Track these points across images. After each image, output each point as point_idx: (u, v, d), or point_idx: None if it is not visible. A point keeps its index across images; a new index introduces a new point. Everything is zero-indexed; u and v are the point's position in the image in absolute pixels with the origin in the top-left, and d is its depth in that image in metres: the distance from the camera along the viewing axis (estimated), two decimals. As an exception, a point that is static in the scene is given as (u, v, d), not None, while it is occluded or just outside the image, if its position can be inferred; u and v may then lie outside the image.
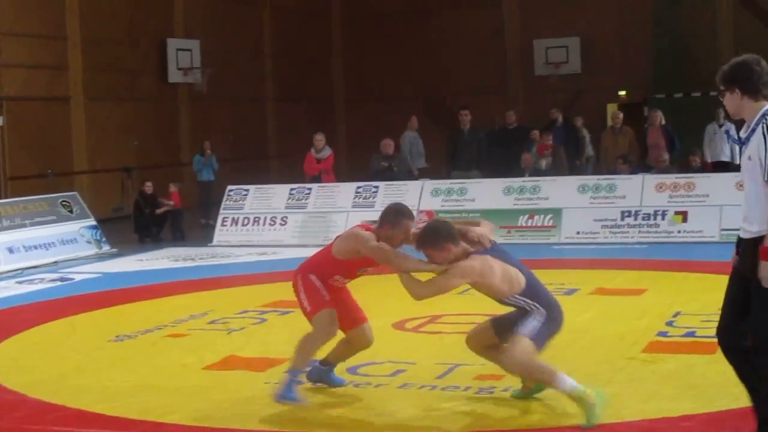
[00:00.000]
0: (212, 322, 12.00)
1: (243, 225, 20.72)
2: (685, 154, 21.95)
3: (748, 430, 6.79)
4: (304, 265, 8.32)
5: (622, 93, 33.48)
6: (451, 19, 35.18)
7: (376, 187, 20.49)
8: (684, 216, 18.45)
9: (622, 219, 18.75)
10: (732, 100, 6.10)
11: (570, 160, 23.77)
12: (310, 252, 18.58)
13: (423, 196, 19.68)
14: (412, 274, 7.63)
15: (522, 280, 7.59)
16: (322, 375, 8.36)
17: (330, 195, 20.76)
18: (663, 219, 18.54)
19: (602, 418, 7.13)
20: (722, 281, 13.69)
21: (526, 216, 19.19)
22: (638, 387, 8.12)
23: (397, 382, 8.69)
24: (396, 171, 21.37)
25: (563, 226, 18.91)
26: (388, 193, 20.09)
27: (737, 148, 22.25)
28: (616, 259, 16.32)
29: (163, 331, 11.53)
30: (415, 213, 8.88)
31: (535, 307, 7.55)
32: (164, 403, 8.29)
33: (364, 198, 20.34)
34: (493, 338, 7.99)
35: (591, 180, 19.68)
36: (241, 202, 21.06)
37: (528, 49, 33.93)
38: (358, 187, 20.66)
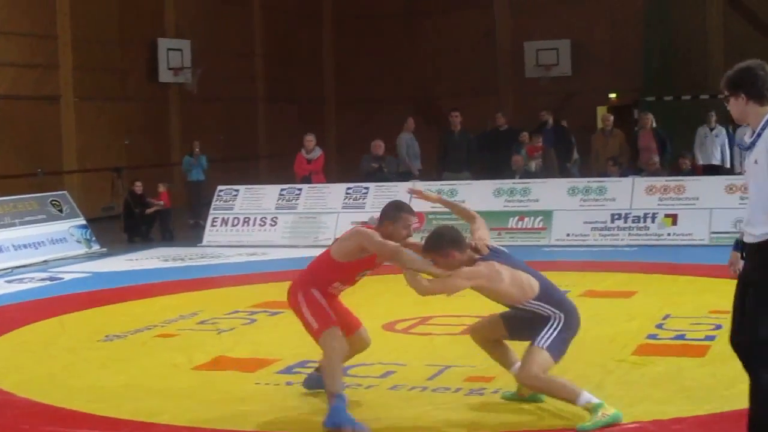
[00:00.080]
0: (202, 322, 11.99)
1: (233, 225, 20.70)
2: (676, 157, 21.98)
3: (739, 432, 6.81)
4: (302, 279, 8.05)
5: (613, 95, 33.53)
6: (441, 21, 35.19)
7: (367, 188, 20.49)
8: (674, 219, 18.47)
9: (612, 221, 18.77)
10: (737, 106, 6.10)
11: (560, 163, 23.79)
12: (300, 252, 18.76)
13: (413, 198, 19.63)
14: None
15: (535, 284, 7.51)
16: (319, 382, 8.21)
17: (320, 196, 20.75)
18: (653, 222, 18.57)
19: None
20: (712, 284, 13.84)
21: (516, 218, 19.20)
22: (628, 389, 8.12)
23: (387, 383, 8.69)
24: (386, 172, 21.36)
25: (553, 229, 18.92)
26: (378, 194, 20.08)
27: (728, 151, 22.34)
28: (605, 261, 16.33)
29: (153, 331, 11.51)
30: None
31: (552, 312, 7.48)
32: (154, 404, 8.28)
33: (355, 199, 20.33)
34: (502, 333, 7.91)
35: (581, 182, 19.70)
36: (231, 202, 21.04)
37: (518, 51, 33.95)
38: (349, 188, 20.66)
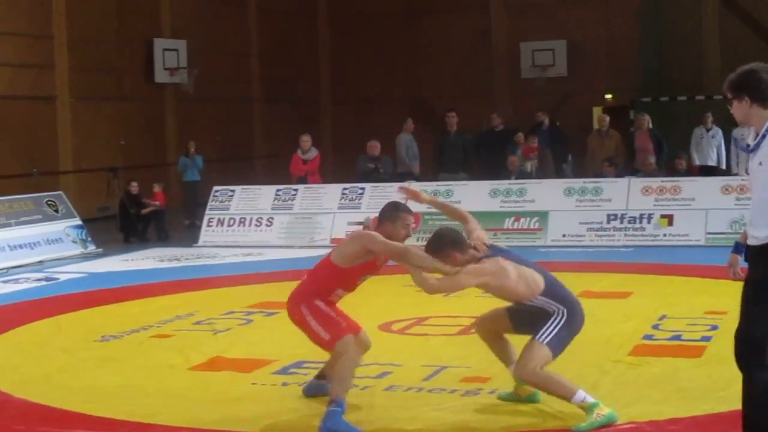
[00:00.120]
0: (198, 322, 11.98)
1: (229, 226, 20.69)
2: (672, 157, 22.00)
3: (735, 433, 6.81)
4: (303, 291, 7.92)
5: (609, 96, 33.53)
6: (437, 21, 35.20)
7: (363, 188, 20.48)
8: (670, 219, 18.48)
9: (608, 222, 18.78)
10: (740, 108, 6.13)
11: (556, 163, 23.79)
12: (296, 253, 18.74)
13: (406, 199, 19.63)
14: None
15: (540, 280, 7.51)
16: (319, 389, 8.19)
17: (316, 196, 20.74)
18: (649, 222, 18.57)
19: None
20: (708, 285, 13.86)
21: (512, 218, 19.20)
22: (624, 390, 8.13)
23: (383, 384, 8.69)
24: (382, 172, 21.36)
25: (549, 229, 18.93)
26: (374, 194, 20.08)
27: (724, 152, 22.36)
28: (601, 262, 16.34)
29: (149, 331, 11.51)
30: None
31: (557, 307, 7.47)
32: (150, 404, 8.28)
33: (351, 199, 20.33)
34: (507, 327, 7.90)
35: (577, 183, 19.69)
36: (227, 202, 21.03)
37: (514, 52, 33.96)
38: (345, 189, 20.65)
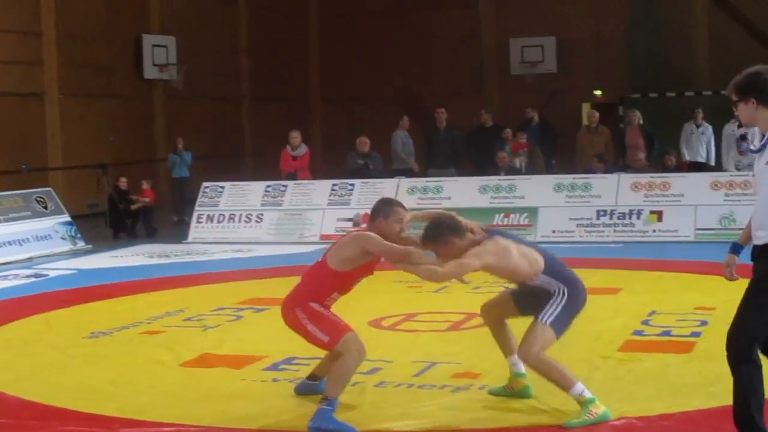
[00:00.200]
0: (188, 319, 11.97)
1: (218, 222, 20.68)
2: (661, 153, 22.03)
3: (726, 429, 6.81)
4: (298, 294, 7.77)
5: (598, 93, 33.56)
6: (427, 18, 35.20)
7: (352, 185, 20.49)
8: (659, 215, 18.52)
9: (598, 218, 18.81)
10: (746, 110, 6.16)
11: (546, 159, 23.82)
12: (285, 249, 18.72)
13: (399, 195, 19.66)
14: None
15: (540, 258, 7.48)
16: (311, 389, 8.15)
17: (306, 192, 20.74)
18: (638, 218, 18.61)
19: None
20: (697, 280, 13.90)
21: (502, 215, 19.22)
22: (615, 386, 8.13)
23: (373, 380, 8.67)
24: (372, 169, 21.36)
25: (539, 225, 18.95)
26: (363, 191, 20.10)
27: (713, 148, 22.39)
28: (591, 258, 16.34)
29: (139, 328, 11.49)
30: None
31: (557, 287, 7.45)
32: (140, 400, 8.26)
33: (340, 196, 20.33)
34: (512, 310, 7.87)
35: (567, 179, 19.71)
36: (216, 199, 21.02)
37: (504, 48, 33.99)
38: (334, 185, 20.65)
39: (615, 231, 18.58)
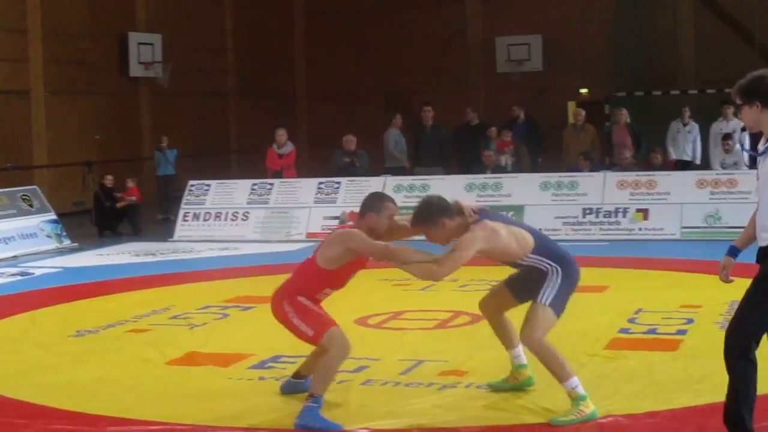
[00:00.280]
0: (174, 317, 11.96)
1: (204, 220, 20.64)
2: (647, 152, 22.06)
3: (712, 426, 6.84)
4: (287, 288, 7.77)
5: (584, 91, 33.58)
6: (413, 16, 35.15)
7: (338, 183, 20.48)
8: (645, 213, 18.56)
9: (584, 216, 18.84)
10: (751, 114, 6.20)
11: (532, 158, 23.83)
12: (271, 247, 18.70)
13: (385, 192, 19.63)
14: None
15: (529, 238, 7.49)
16: (296, 387, 8.14)
17: (292, 190, 20.72)
18: (624, 216, 18.64)
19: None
20: (683, 278, 13.93)
21: (488, 213, 19.18)
22: (601, 384, 8.14)
23: (360, 378, 8.67)
24: (358, 167, 21.35)
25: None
26: (350, 189, 20.09)
27: (699, 147, 22.43)
28: (577, 256, 16.21)
29: (125, 326, 11.47)
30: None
31: (550, 265, 7.47)
32: (126, 399, 8.25)
33: (326, 194, 20.32)
34: (509, 299, 7.89)
35: (553, 177, 19.73)
36: (202, 197, 20.99)
37: (490, 47, 33.97)
38: (320, 183, 20.64)
39: (601, 229, 18.61)
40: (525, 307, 7.64)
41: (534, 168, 23.16)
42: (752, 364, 6.14)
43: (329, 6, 35.95)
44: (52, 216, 20.13)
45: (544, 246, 7.54)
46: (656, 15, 32.28)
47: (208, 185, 21.19)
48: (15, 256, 18.40)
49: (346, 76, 35.53)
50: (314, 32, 36.73)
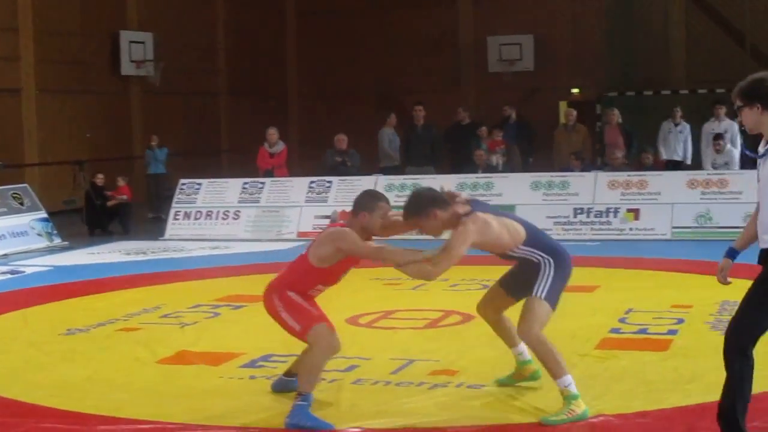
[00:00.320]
0: (165, 316, 11.95)
1: (195, 219, 20.63)
2: (639, 152, 22.09)
3: (702, 426, 6.85)
4: (278, 282, 7.79)
5: (575, 91, 33.61)
6: (405, 15, 35.16)
7: (330, 182, 20.47)
8: (636, 213, 18.58)
9: (575, 216, 18.85)
10: (751, 116, 6.23)
11: (523, 157, 23.84)
12: (263, 246, 18.69)
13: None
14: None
15: (521, 229, 7.48)
16: (287, 385, 8.12)
17: (283, 189, 20.71)
18: (615, 216, 18.66)
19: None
20: (674, 278, 13.95)
21: (479, 212, 19.19)
22: (592, 383, 8.14)
23: (351, 377, 8.67)
24: (350, 166, 21.35)
25: (516, 223, 18.93)
26: (341, 188, 20.10)
27: (690, 147, 22.46)
28: (568, 255, 16.35)
29: (116, 324, 11.46)
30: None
31: (541, 256, 7.47)
32: (117, 397, 8.24)
33: (318, 193, 20.32)
34: (507, 301, 7.90)
35: (544, 177, 19.73)
36: (193, 196, 20.97)
37: (482, 46, 33.99)
38: (312, 182, 20.63)
39: (592, 229, 18.62)
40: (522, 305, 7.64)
41: (525, 168, 23.16)
42: (750, 364, 6.16)
43: (321, 5, 35.96)
44: (43, 214, 20.10)
45: (535, 238, 7.53)
46: (647, 15, 32.34)
47: (200, 184, 21.18)
48: (5, 255, 18.36)
49: (338, 75, 35.54)
50: (306, 32, 36.72)
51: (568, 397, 7.22)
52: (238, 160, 30.21)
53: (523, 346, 7.93)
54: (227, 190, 20.97)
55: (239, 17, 34.53)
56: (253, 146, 22.97)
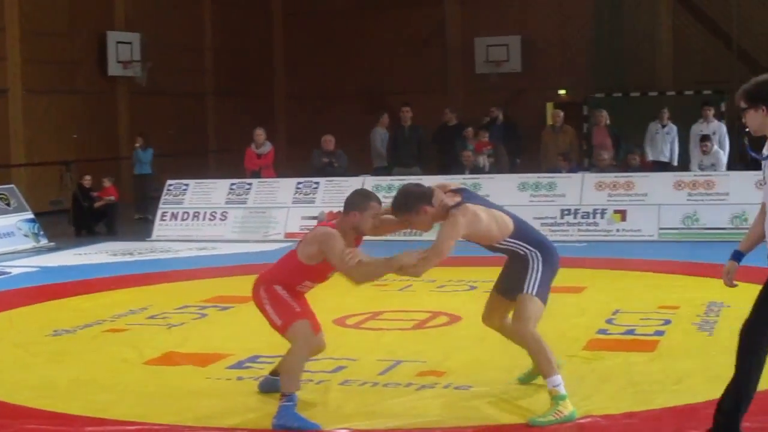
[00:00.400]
0: (152, 317, 11.92)
1: (182, 220, 20.60)
2: (626, 153, 22.13)
3: (690, 426, 6.86)
4: (267, 275, 7.82)
5: (562, 92, 33.66)
6: (392, 16, 35.18)
7: (317, 183, 20.46)
8: (623, 215, 18.59)
9: (562, 217, 18.86)
10: (756, 118, 6.25)
11: (511, 159, 23.86)
12: (250, 247, 18.67)
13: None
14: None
15: (509, 222, 7.48)
16: (274, 385, 8.06)
17: (270, 190, 20.69)
18: (602, 217, 18.67)
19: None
20: (661, 279, 13.97)
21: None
22: (579, 384, 8.14)
23: (338, 378, 8.67)
24: (337, 167, 21.34)
25: (503, 224, 18.93)
26: (328, 189, 20.08)
27: (677, 149, 22.53)
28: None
29: (103, 325, 11.43)
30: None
31: (528, 249, 7.49)
32: (104, 398, 8.22)
33: (305, 194, 20.30)
34: (505, 304, 7.89)
35: (531, 178, 19.74)
36: (180, 196, 20.94)
37: (469, 47, 34.02)
38: (299, 183, 20.62)
39: (579, 230, 18.63)
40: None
41: (512, 169, 23.18)
42: (760, 365, 6.20)
43: (308, 6, 35.98)
44: (30, 215, 20.05)
45: (523, 231, 7.55)
46: (635, 17, 32.40)
47: (187, 185, 21.14)
48: (-8, 255, 18.35)
49: (325, 76, 35.54)
50: (293, 32, 36.71)
51: (555, 398, 7.23)
52: (226, 160, 30.17)
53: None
54: (214, 190, 20.94)
55: (226, 18, 34.51)
56: (240, 147, 22.96)
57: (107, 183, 22.48)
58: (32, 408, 7.98)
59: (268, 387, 8.20)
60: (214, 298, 12.99)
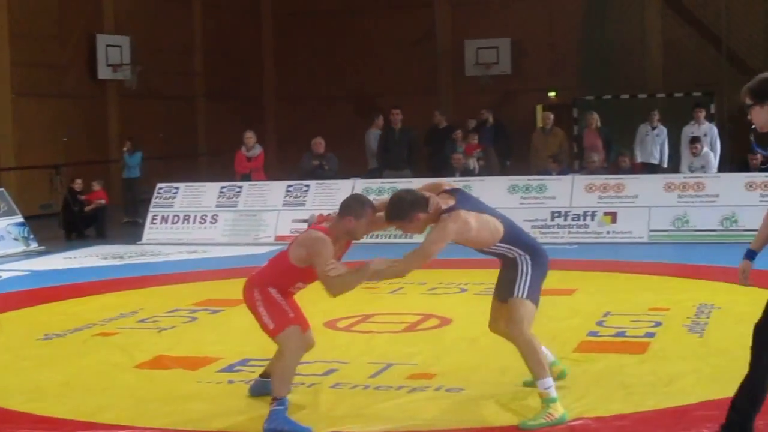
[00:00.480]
0: (142, 320, 11.90)
1: (173, 223, 20.58)
2: (616, 156, 22.16)
3: (680, 428, 6.86)
4: (259, 277, 7.80)
5: (552, 94, 33.70)
6: (382, 18, 35.22)
7: (307, 186, 20.45)
8: (613, 217, 18.60)
9: (552, 219, 18.86)
10: (762, 114, 6.27)
11: (501, 161, 23.86)
12: (240, 250, 18.64)
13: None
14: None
15: (500, 226, 7.49)
16: (264, 387, 8.06)
17: (260, 193, 20.67)
18: (592, 220, 18.68)
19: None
20: (651, 281, 13.97)
21: (457, 216, 19.18)
22: (570, 386, 8.13)
23: (329, 381, 8.66)
24: (327, 170, 21.33)
25: (494, 226, 18.93)
26: (319, 192, 20.08)
27: (666, 150, 22.56)
28: (546, 259, 16.35)
29: (93, 329, 11.40)
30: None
31: (518, 253, 7.51)
32: (95, 403, 8.20)
33: (295, 197, 20.29)
34: (505, 309, 7.84)
35: (521, 180, 19.74)
36: (171, 200, 20.91)
37: (459, 50, 34.06)
38: (289, 186, 20.60)
39: (569, 232, 18.64)
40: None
41: (503, 171, 23.19)
42: None
43: (298, 8, 35.98)
44: (20, 219, 20.02)
45: (513, 234, 7.56)
46: (624, 19, 32.43)
47: (177, 188, 21.12)
48: (-19, 259, 18.31)
49: (315, 78, 35.56)
50: (283, 34, 36.72)
51: (546, 400, 7.23)
52: (216, 163, 30.17)
53: (545, 348, 7.92)
54: (204, 194, 20.92)
55: (216, 20, 34.50)
56: (231, 149, 22.94)
57: (96, 186, 22.45)
58: (22, 412, 7.96)
59: (258, 390, 8.19)
60: (205, 302, 12.97)
